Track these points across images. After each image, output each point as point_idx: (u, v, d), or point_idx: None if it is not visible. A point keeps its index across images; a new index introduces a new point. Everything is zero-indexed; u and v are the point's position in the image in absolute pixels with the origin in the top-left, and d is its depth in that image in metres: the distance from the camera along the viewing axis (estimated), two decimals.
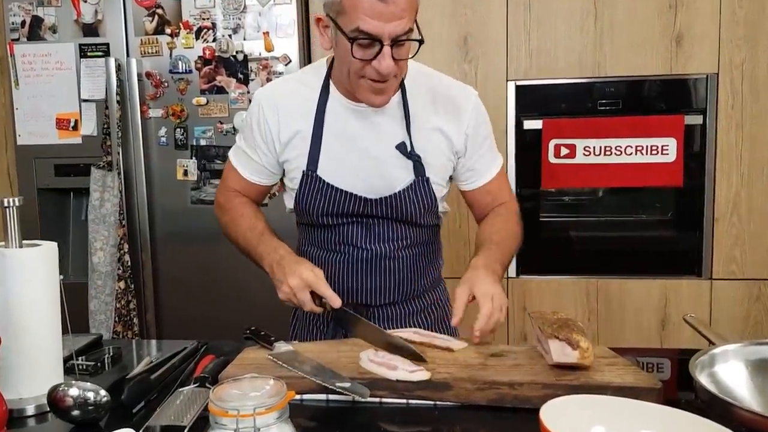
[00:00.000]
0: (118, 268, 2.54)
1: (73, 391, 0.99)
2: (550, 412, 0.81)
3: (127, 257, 2.54)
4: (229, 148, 1.51)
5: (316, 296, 1.26)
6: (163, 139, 2.56)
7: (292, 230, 1.57)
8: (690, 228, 2.53)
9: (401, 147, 1.36)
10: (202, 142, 2.53)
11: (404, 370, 1.06)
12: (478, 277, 1.24)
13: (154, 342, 1.88)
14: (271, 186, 1.52)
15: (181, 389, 1.08)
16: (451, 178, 1.47)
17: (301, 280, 1.24)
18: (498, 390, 1.02)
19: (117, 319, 2.53)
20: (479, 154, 1.43)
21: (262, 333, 1.27)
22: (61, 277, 1.14)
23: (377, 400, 1.06)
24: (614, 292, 2.54)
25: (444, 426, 1.01)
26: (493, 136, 1.48)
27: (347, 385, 1.03)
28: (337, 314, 1.27)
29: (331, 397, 1.06)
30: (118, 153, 2.54)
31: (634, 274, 2.54)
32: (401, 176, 1.38)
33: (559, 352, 1.03)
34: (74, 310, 2.65)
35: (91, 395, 0.99)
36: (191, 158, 2.54)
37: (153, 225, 2.61)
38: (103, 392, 0.99)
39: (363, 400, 1.00)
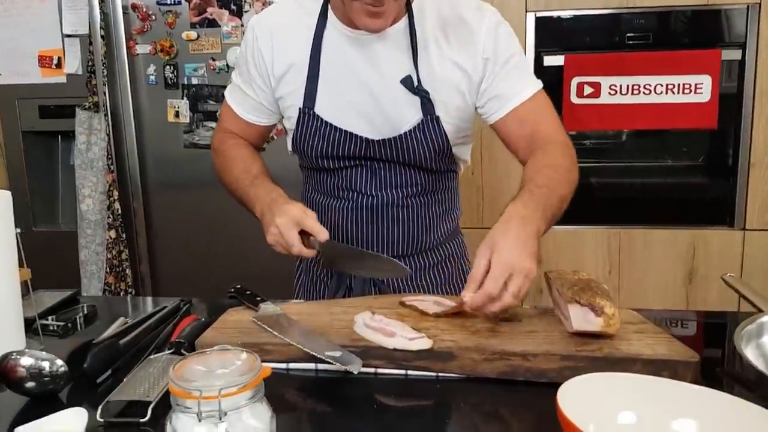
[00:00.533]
0: (108, 217, 2.45)
1: (26, 361, 0.89)
2: (568, 394, 0.70)
3: (117, 205, 2.44)
4: (223, 87, 1.39)
5: (306, 238, 1.15)
6: (152, 78, 2.42)
7: (293, 176, 1.45)
8: (722, 174, 2.38)
9: (407, 81, 1.22)
10: (194, 81, 2.39)
11: (402, 338, 0.95)
12: (504, 239, 0.97)
13: (140, 299, 1.79)
14: (271, 127, 1.40)
15: (153, 356, 0.99)
16: (477, 113, 1.31)
17: (288, 217, 1.13)
18: (509, 361, 0.91)
19: (108, 269, 2.46)
20: (501, 76, 1.24)
21: (248, 292, 1.17)
22: (18, 230, 1.03)
23: (372, 370, 0.96)
24: (638, 243, 2.41)
25: (447, 400, 0.90)
26: (523, 58, 1.29)
27: (338, 354, 0.93)
28: (326, 252, 1.18)
29: (321, 366, 0.96)
30: (105, 93, 2.42)
31: (660, 224, 2.42)
32: (408, 115, 1.25)
33: (581, 318, 0.92)
34: (65, 260, 2.60)
35: (46, 365, 0.89)
36: (182, 98, 2.41)
37: (144, 170, 2.50)
38: (59, 362, 0.90)
39: (355, 372, 0.90)
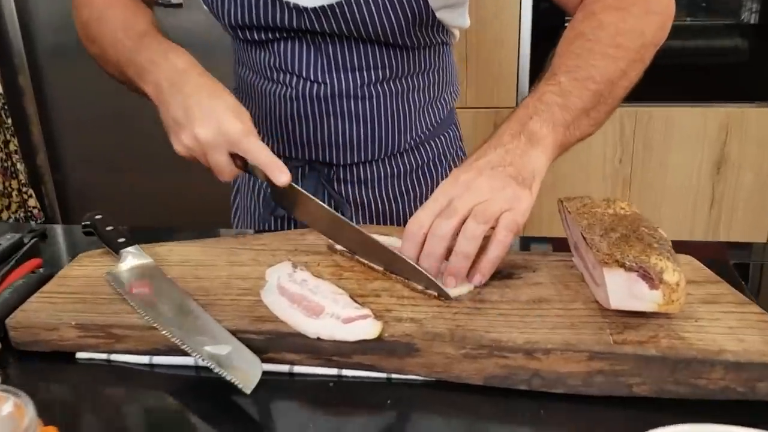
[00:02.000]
0: None
1: None
2: None
3: None
4: None
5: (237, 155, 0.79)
6: None
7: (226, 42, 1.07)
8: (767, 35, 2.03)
9: None
10: None
11: (334, 318, 0.63)
12: (476, 178, 0.69)
13: None
14: None
15: None
16: None
17: (220, 134, 0.75)
18: (504, 359, 0.59)
19: None
20: None
21: (109, 228, 0.83)
22: None
23: (285, 368, 0.64)
24: (657, 125, 2.09)
25: (401, 420, 0.60)
26: None
27: (224, 351, 0.61)
28: (281, 196, 0.78)
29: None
30: None
31: (686, 100, 2.09)
32: None
33: (624, 291, 0.60)
34: None
35: None
36: None
37: (28, 35, 2.09)
38: None
39: (246, 392, 0.58)
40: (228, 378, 0.58)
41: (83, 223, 0.85)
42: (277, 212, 1.05)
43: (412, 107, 1.01)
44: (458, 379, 0.61)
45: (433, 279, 0.67)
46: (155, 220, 2.30)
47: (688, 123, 2.07)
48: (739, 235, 2.13)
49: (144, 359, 0.66)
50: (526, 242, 0.96)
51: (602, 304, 0.63)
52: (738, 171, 2.09)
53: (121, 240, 0.79)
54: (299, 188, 0.75)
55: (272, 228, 1.07)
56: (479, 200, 0.67)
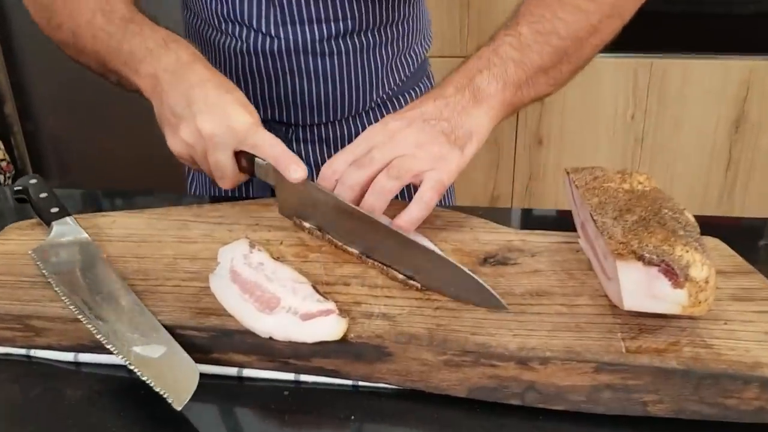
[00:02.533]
0: None
1: None
2: None
3: None
4: None
5: (244, 156, 0.69)
6: None
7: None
8: None
9: None
10: None
11: (290, 314, 0.54)
12: (404, 129, 0.64)
13: None
14: None
15: None
16: None
17: (226, 127, 0.66)
18: (493, 368, 0.50)
19: None
20: None
21: (43, 195, 0.73)
22: None
23: (233, 371, 0.55)
24: (673, 78, 1.97)
25: None
26: None
27: (156, 354, 0.52)
28: (293, 197, 0.68)
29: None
30: None
31: (706, 51, 1.95)
32: None
33: (641, 290, 0.50)
34: None
35: None
36: None
37: None
38: None
39: (177, 408, 0.49)
40: (156, 388, 0.49)
41: (15, 188, 0.75)
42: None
43: (380, 62, 0.91)
44: (437, 390, 0.52)
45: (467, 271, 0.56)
46: (135, 172, 2.20)
47: (706, 77, 1.94)
48: (755, 199, 2.03)
49: (68, 356, 0.57)
50: (525, 216, 0.86)
51: (613, 301, 0.54)
52: (758, 131, 1.97)
53: (55, 210, 0.69)
54: (319, 185, 0.65)
55: (231, 194, 0.97)
56: (400, 153, 0.62)
